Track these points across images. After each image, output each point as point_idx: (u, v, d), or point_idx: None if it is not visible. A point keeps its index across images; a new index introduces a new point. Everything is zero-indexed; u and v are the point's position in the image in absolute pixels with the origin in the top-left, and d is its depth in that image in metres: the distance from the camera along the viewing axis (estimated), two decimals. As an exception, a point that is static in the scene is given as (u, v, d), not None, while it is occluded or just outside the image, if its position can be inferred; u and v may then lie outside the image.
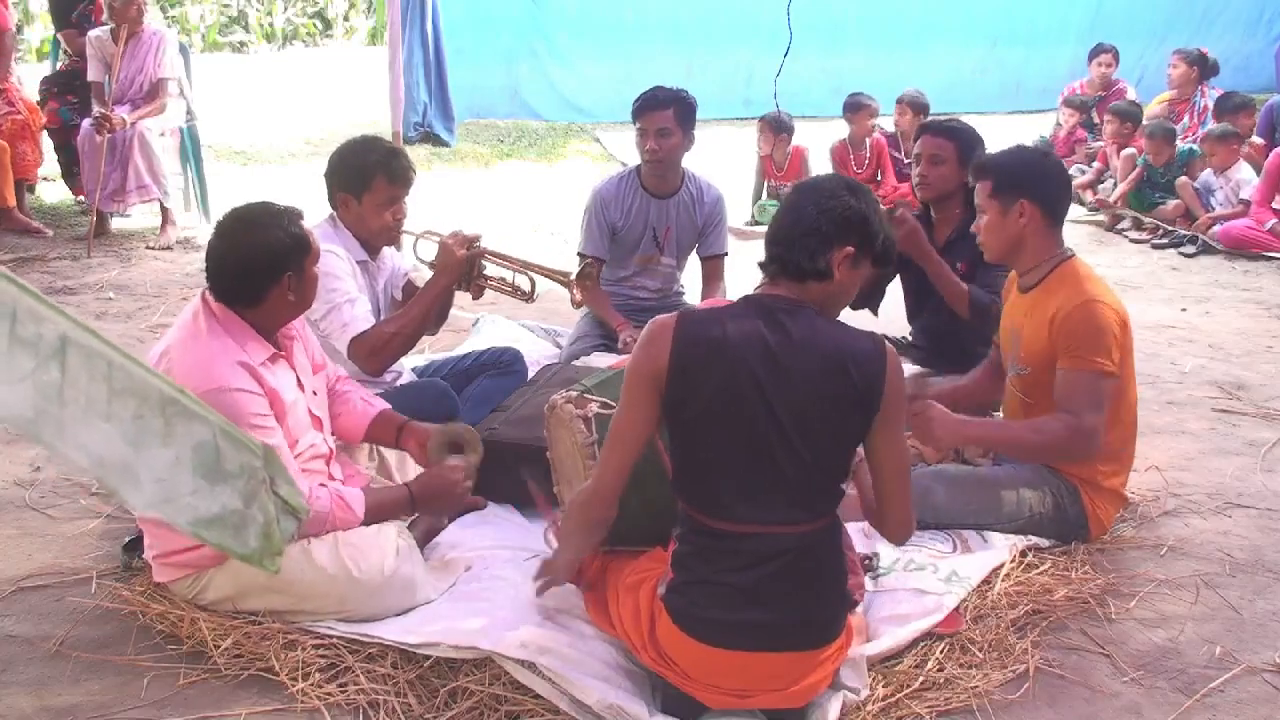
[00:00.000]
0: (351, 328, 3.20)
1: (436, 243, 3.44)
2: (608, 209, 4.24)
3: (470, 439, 2.95)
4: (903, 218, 3.64)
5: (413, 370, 3.79)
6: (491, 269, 3.54)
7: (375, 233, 3.35)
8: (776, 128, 7.22)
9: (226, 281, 2.64)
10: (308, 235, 2.71)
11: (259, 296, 2.65)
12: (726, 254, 4.42)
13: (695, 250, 4.42)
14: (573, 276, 3.72)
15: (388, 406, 3.04)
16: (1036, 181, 2.99)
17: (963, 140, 3.73)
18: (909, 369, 3.52)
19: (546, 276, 3.64)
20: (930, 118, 6.50)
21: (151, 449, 1.73)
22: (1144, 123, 7.53)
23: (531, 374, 3.88)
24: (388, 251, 3.55)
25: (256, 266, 2.62)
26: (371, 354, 3.22)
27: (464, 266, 3.38)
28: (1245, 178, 6.82)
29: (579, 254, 4.30)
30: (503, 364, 3.78)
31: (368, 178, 3.26)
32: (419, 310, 3.31)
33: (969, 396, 3.30)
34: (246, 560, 1.95)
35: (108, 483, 1.68)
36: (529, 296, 3.64)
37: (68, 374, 1.58)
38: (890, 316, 4.11)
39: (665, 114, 4.06)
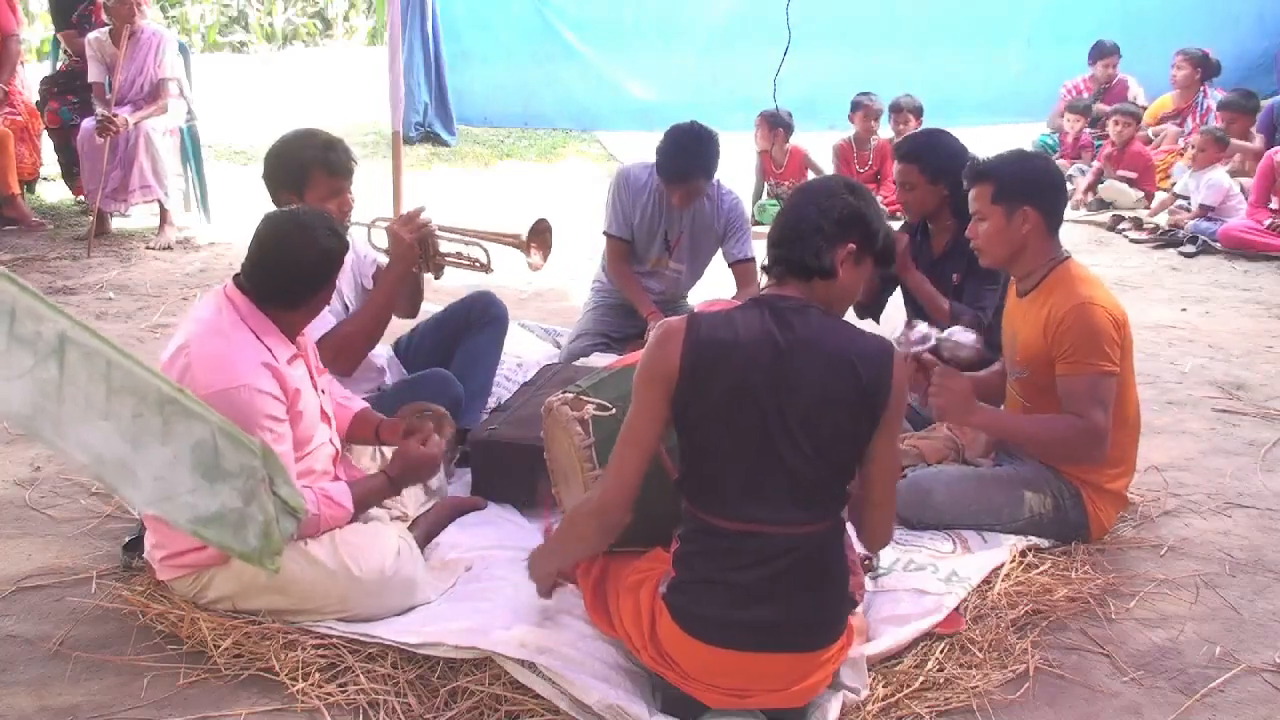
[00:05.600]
0: (312, 333, 3.11)
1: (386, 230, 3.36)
2: (629, 192, 4.20)
3: (434, 412, 2.97)
4: None
5: (391, 346, 3.72)
6: (447, 245, 3.45)
7: None
8: (773, 123, 7.21)
9: (275, 284, 2.61)
10: (347, 241, 2.73)
11: (304, 300, 2.64)
12: (753, 257, 4.24)
13: (721, 256, 4.35)
14: (524, 236, 3.56)
15: (366, 405, 3.04)
16: (1041, 189, 2.98)
17: (924, 160, 3.68)
18: (969, 336, 3.43)
19: (499, 243, 3.52)
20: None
21: (150, 447, 1.73)
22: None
23: (531, 374, 3.88)
24: (354, 240, 3.44)
25: (312, 273, 2.62)
26: (336, 356, 3.13)
27: (416, 250, 3.29)
28: (1215, 181, 6.72)
29: (604, 233, 4.25)
30: (479, 311, 3.69)
31: (306, 173, 3.14)
32: (375, 305, 3.24)
33: (986, 387, 3.27)
34: (246, 559, 1.96)
35: (107, 480, 1.69)
36: (486, 267, 3.51)
37: (66, 372, 1.59)
38: (890, 318, 4.10)
39: (698, 183, 4.00)
